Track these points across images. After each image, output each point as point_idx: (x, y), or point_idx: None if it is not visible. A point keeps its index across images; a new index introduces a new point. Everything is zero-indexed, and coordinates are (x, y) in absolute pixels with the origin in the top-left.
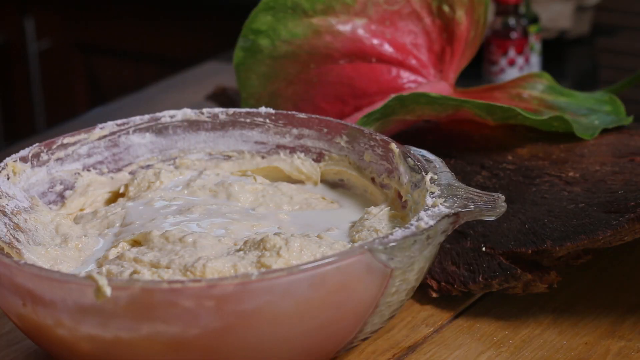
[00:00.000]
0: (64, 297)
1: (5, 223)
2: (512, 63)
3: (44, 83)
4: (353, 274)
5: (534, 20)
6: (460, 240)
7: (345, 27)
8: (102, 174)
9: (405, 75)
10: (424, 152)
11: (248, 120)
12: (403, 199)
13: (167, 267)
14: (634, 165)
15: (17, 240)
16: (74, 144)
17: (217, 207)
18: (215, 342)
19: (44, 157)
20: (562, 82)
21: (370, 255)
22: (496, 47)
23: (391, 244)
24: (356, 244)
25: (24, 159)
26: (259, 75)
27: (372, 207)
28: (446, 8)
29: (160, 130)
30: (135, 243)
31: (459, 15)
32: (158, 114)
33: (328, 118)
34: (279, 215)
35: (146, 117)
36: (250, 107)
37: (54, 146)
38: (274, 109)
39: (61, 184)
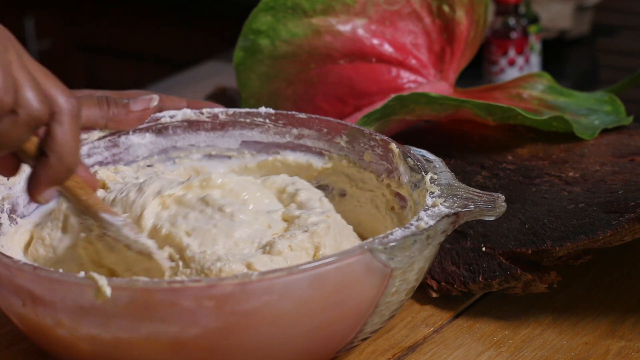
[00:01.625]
0: (63, 297)
1: None
2: (512, 63)
3: None
4: (353, 274)
5: (534, 20)
6: (460, 240)
7: (345, 27)
8: None
9: (405, 75)
10: (424, 152)
11: (248, 120)
12: (403, 199)
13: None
14: (634, 165)
15: None
16: None
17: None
18: (215, 342)
19: None
20: (562, 82)
21: (370, 255)
22: (496, 47)
23: (391, 244)
24: (357, 244)
25: None
26: (259, 75)
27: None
28: (446, 8)
29: (160, 130)
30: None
31: (459, 15)
32: (158, 114)
33: (328, 118)
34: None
35: None
36: (250, 107)
37: None
38: (274, 109)
39: None
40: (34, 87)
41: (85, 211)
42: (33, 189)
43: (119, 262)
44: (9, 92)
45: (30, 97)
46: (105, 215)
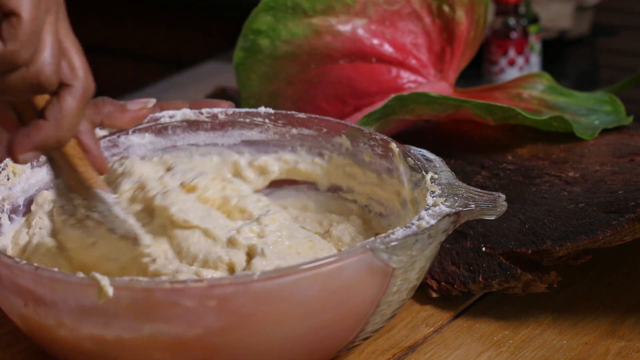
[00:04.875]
0: (65, 298)
1: None
2: (512, 63)
3: None
4: (354, 274)
5: (534, 20)
6: (460, 240)
7: (345, 27)
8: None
9: (405, 75)
10: (424, 151)
11: (247, 120)
12: (403, 198)
13: None
14: (634, 165)
15: None
16: None
17: None
18: (217, 341)
19: (44, 157)
20: (562, 82)
21: (371, 254)
22: (496, 47)
23: (392, 243)
24: (358, 244)
25: None
26: (259, 75)
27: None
28: (446, 8)
29: (159, 130)
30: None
31: (459, 15)
32: (157, 114)
33: (328, 118)
34: None
35: None
36: (250, 107)
37: None
38: (274, 109)
39: None
40: (55, 54)
41: (76, 186)
42: (18, 146)
43: (89, 256)
44: (28, 49)
45: (46, 60)
46: (99, 191)
